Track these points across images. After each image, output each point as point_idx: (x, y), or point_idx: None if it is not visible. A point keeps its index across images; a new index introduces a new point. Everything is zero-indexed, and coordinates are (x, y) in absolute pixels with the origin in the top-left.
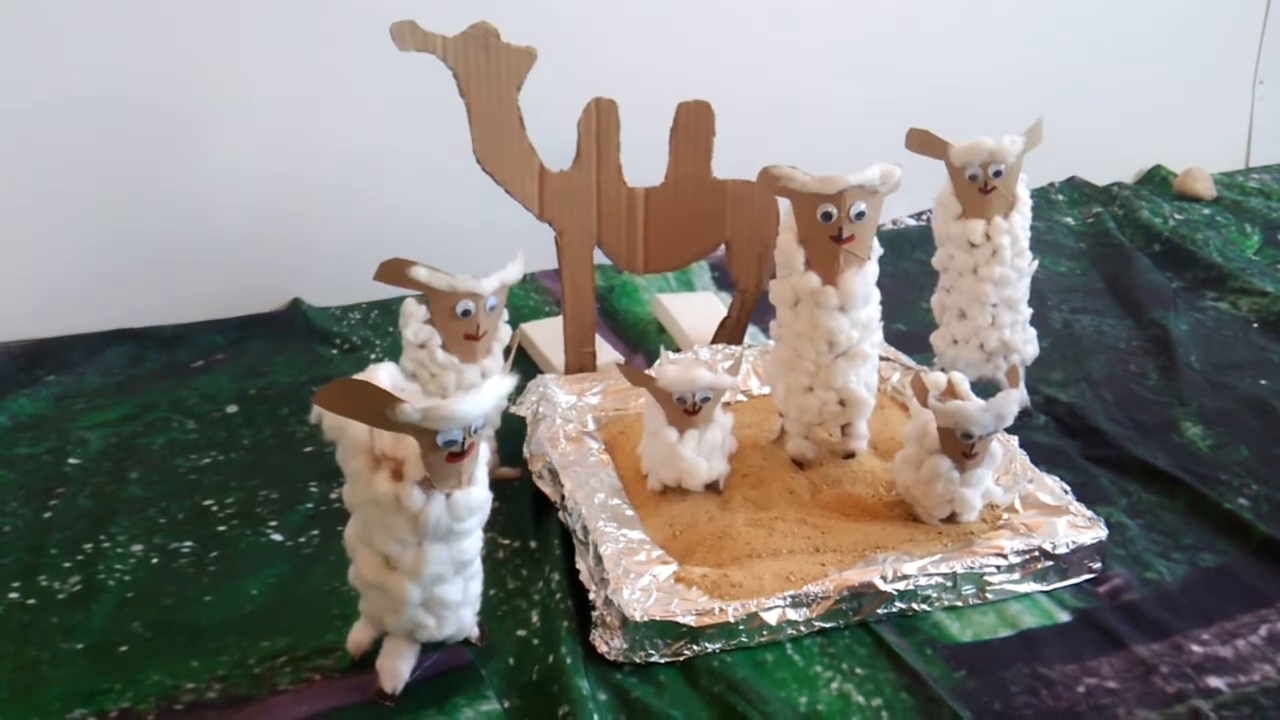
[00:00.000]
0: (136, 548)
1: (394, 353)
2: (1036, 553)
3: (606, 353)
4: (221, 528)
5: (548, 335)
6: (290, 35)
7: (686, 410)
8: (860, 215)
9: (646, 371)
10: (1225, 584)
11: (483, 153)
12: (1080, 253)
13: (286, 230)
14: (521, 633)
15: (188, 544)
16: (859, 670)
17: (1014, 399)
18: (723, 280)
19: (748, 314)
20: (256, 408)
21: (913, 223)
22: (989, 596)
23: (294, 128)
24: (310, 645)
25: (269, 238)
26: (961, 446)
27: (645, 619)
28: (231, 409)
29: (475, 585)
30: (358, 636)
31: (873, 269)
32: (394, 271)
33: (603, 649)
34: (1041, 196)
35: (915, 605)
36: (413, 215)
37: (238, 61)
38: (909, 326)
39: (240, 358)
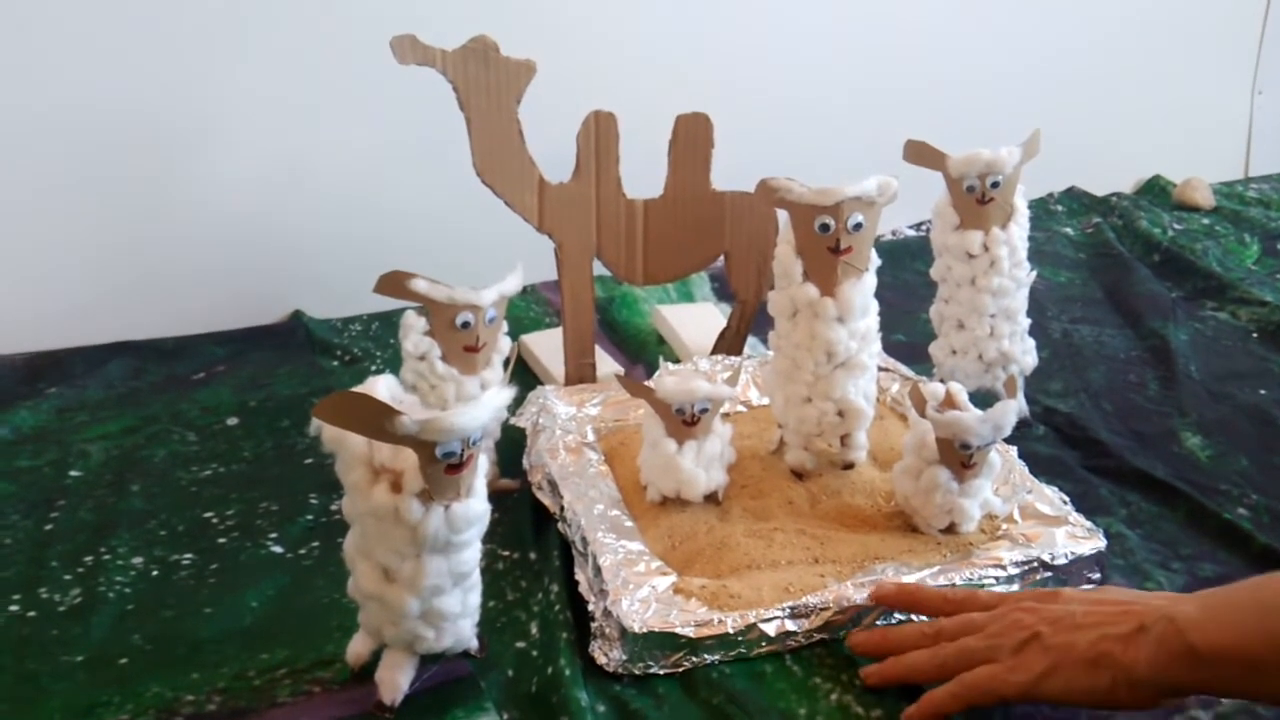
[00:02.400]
0: (137, 560)
1: (394, 364)
2: (1035, 563)
3: (606, 364)
4: (222, 540)
5: (547, 346)
6: (291, 48)
7: (685, 421)
8: (858, 227)
9: (645, 383)
10: None
11: (482, 165)
12: (1079, 263)
13: (287, 242)
14: (520, 644)
15: (188, 556)
16: (858, 681)
17: (1012, 409)
18: (722, 291)
19: (747, 325)
20: (257, 420)
21: (912, 233)
22: None
23: (295, 140)
24: (310, 657)
25: (270, 250)
26: (960, 457)
27: (644, 630)
28: (232, 421)
29: (474, 597)
30: (357, 648)
31: (871, 280)
32: (393, 284)
33: (602, 660)
34: (1041, 207)
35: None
36: (412, 227)
37: (238, 74)
38: (908, 337)
39: (241, 370)
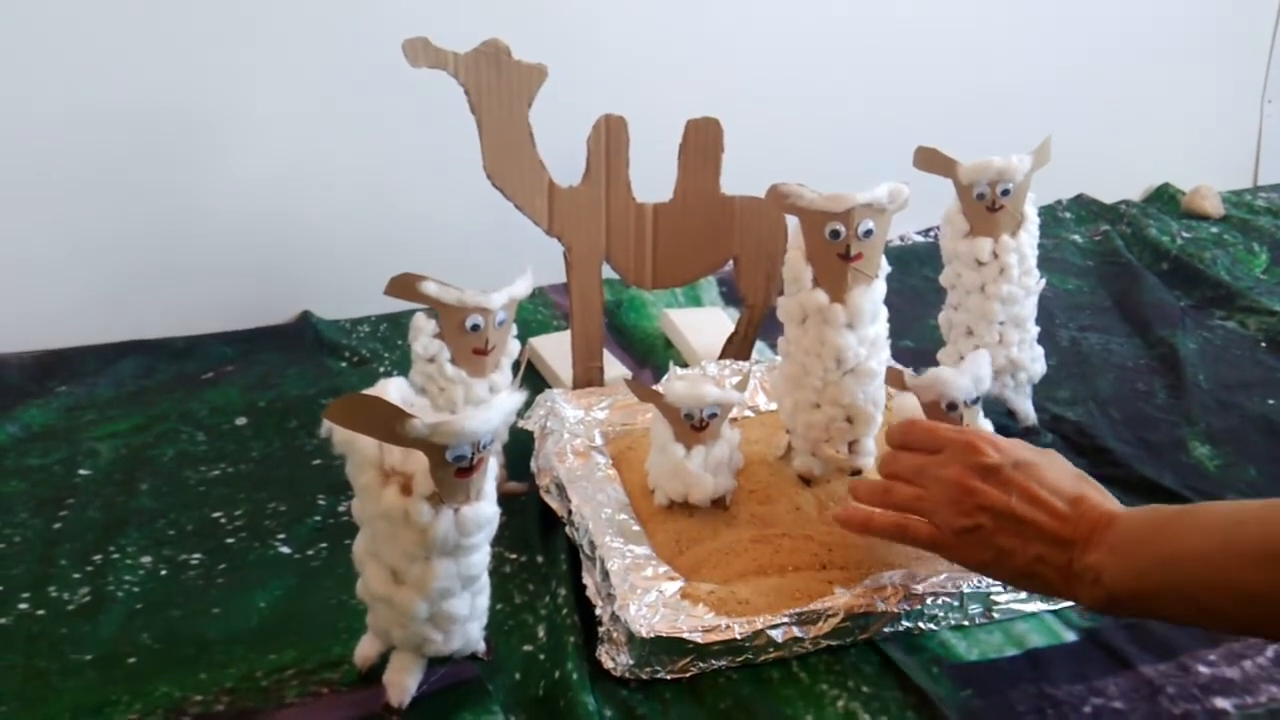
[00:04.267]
0: (146, 559)
1: (403, 366)
2: None
3: (614, 367)
4: (230, 540)
5: (555, 350)
6: (303, 50)
7: (694, 426)
8: (868, 233)
9: (654, 387)
10: None
11: (493, 168)
12: (1088, 270)
13: (297, 243)
14: (528, 648)
15: (196, 556)
16: (865, 688)
17: (984, 358)
18: (730, 296)
19: (755, 330)
20: (266, 420)
21: (920, 239)
22: (995, 616)
23: (306, 141)
24: (317, 659)
25: (279, 250)
26: (951, 421)
27: (652, 635)
28: (241, 421)
29: (482, 600)
30: (365, 650)
31: (880, 286)
32: (404, 286)
33: (609, 665)
34: (1049, 214)
35: (922, 624)
36: (422, 229)
37: (249, 74)
38: (916, 343)
39: (250, 369)
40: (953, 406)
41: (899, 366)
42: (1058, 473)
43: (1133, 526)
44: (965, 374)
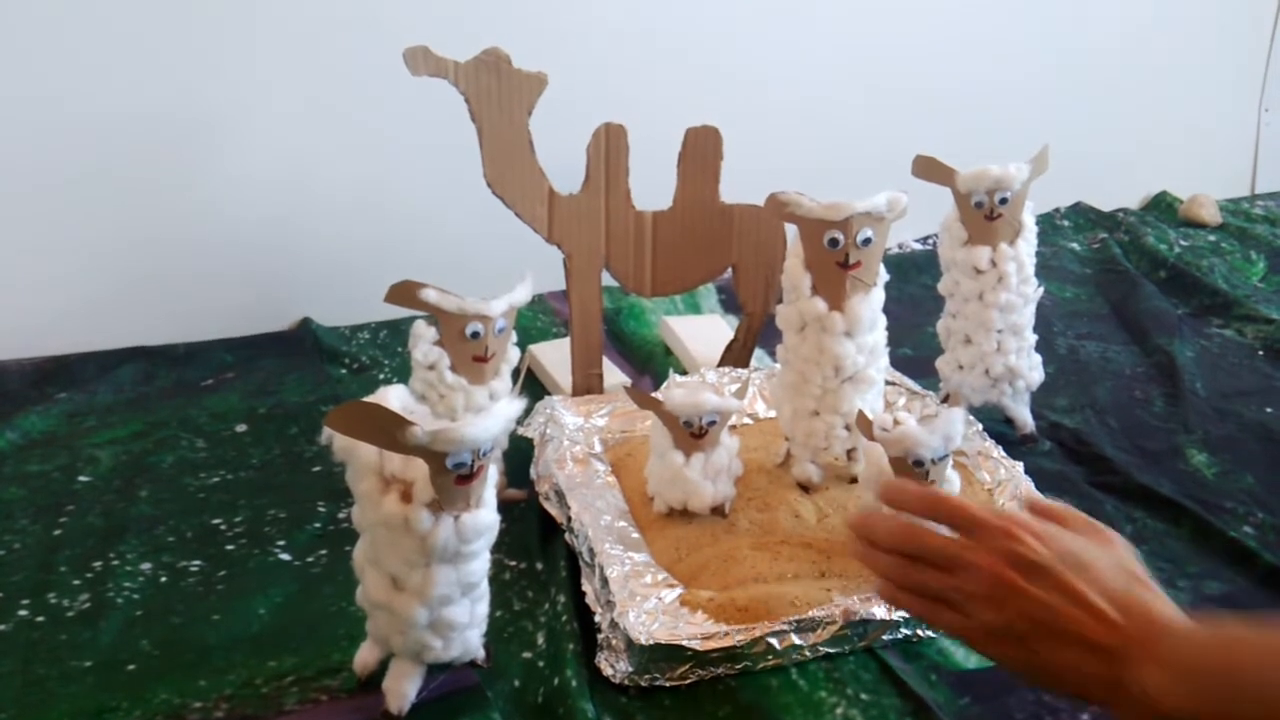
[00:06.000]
0: (145, 566)
1: (402, 373)
2: None
3: (614, 375)
4: (230, 547)
5: (555, 357)
6: (304, 58)
7: (693, 433)
8: (867, 242)
9: (653, 394)
10: (1230, 612)
11: (493, 176)
12: (1086, 278)
13: (297, 250)
14: (527, 655)
15: (196, 563)
16: (864, 696)
17: (958, 417)
18: (729, 303)
19: (754, 337)
20: (265, 427)
21: (919, 247)
22: None
23: (306, 149)
24: (317, 666)
25: (279, 257)
26: (916, 476)
27: (651, 642)
28: (241, 428)
29: (482, 607)
30: (364, 657)
31: (879, 295)
32: (404, 293)
33: (608, 672)
34: (1047, 222)
35: (920, 631)
36: (422, 237)
37: (251, 84)
38: (915, 350)
39: (250, 376)
40: (919, 463)
41: (870, 414)
42: (1107, 568)
43: (1194, 642)
44: (936, 433)
